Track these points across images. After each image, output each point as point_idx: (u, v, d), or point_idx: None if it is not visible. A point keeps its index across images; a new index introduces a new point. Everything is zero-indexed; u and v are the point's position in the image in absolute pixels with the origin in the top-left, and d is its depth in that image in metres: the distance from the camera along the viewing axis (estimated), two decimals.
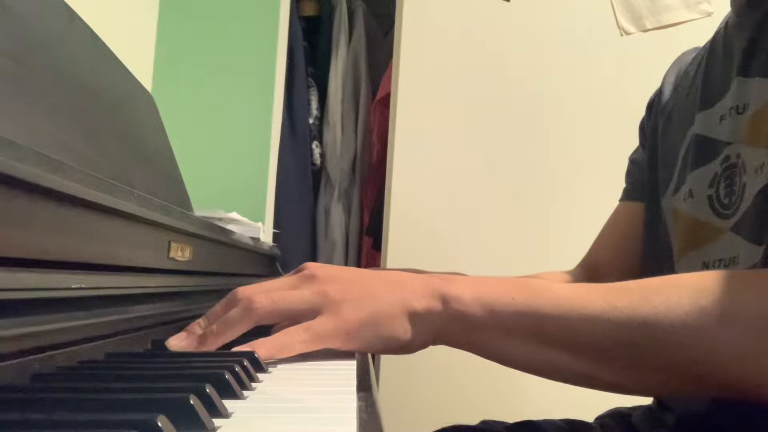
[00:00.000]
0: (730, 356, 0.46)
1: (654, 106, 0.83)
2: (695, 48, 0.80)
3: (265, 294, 0.53)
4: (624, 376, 0.50)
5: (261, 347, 0.51)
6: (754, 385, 0.46)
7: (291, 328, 0.52)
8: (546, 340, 0.51)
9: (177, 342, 0.53)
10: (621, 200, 0.88)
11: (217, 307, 0.55)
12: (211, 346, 0.52)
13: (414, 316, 0.52)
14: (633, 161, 0.88)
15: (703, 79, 0.70)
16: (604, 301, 0.50)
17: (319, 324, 0.51)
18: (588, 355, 0.50)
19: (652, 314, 0.48)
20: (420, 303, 0.53)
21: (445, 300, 0.52)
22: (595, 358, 0.50)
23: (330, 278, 0.54)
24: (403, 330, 0.52)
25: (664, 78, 0.82)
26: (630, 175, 0.88)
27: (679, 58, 0.82)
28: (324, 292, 0.52)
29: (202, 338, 0.53)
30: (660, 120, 0.79)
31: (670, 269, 0.67)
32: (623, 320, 0.48)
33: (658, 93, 0.82)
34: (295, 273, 0.56)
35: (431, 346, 0.56)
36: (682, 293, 0.48)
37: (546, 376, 0.54)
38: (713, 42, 0.72)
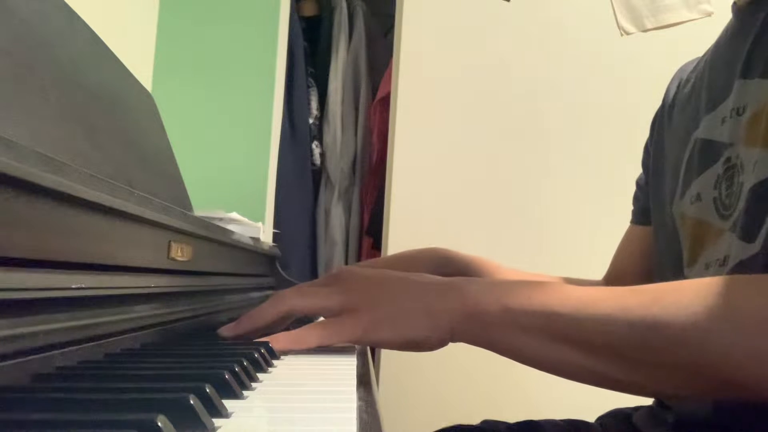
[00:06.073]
0: (739, 357, 0.46)
1: (657, 122, 0.84)
2: (695, 59, 0.80)
3: (296, 289, 0.61)
4: (635, 375, 0.51)
5: (278, 339, 0.56)
6: (762, 385, 0.46)
7: (310, 324, 0.57)
8: (559, 338, 0.52)
9: (224, 329, 0.62)
10: (631, 222, 0.90)
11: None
12: (245, 327, 0.61)
13: (432, 314, 0.55)
14: (638, 185, 0.90)
15: (707, 84, 0.70)
16: (615, 301, 0.51)
17: (338, 320, 0.56)
18: (599, 354, 0.51)
19: (662, 315, 0.48)
20: (438, 301, 0.55)
21: (462, 299, 0.54)
22: (606, 357, 0.51)
23: (355, 278, 0.59)
24: (421, 327, 0.55)
25: (666, 91, 0.83)
26: (636, 199, 0.90)
27: (680, 70, 0.83)
28: (348, 291, 0.57)
29: (239, 322, 0.61)
30: (664, 131, 0.80)
31: (680, 274, 0.67)
32: (633, 320, 0.49)
33: (661, 108, 0.83)
34: (329, 274, 0.63)
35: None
36: (692, 295, 0.48)
37: (559, 374, 0.55)
38: (716, 48, 0.72)
